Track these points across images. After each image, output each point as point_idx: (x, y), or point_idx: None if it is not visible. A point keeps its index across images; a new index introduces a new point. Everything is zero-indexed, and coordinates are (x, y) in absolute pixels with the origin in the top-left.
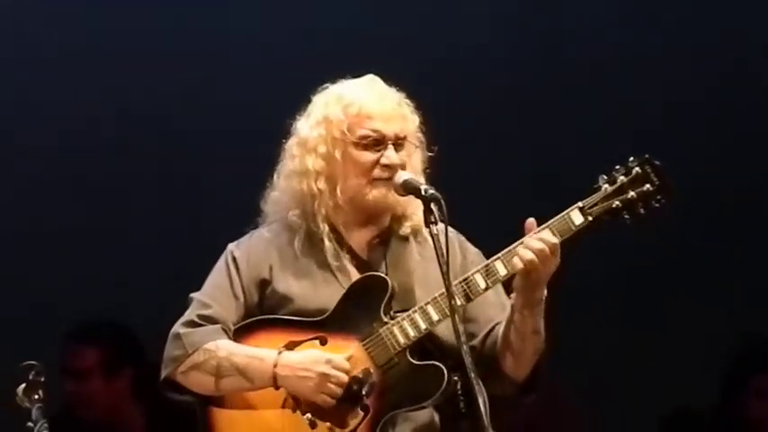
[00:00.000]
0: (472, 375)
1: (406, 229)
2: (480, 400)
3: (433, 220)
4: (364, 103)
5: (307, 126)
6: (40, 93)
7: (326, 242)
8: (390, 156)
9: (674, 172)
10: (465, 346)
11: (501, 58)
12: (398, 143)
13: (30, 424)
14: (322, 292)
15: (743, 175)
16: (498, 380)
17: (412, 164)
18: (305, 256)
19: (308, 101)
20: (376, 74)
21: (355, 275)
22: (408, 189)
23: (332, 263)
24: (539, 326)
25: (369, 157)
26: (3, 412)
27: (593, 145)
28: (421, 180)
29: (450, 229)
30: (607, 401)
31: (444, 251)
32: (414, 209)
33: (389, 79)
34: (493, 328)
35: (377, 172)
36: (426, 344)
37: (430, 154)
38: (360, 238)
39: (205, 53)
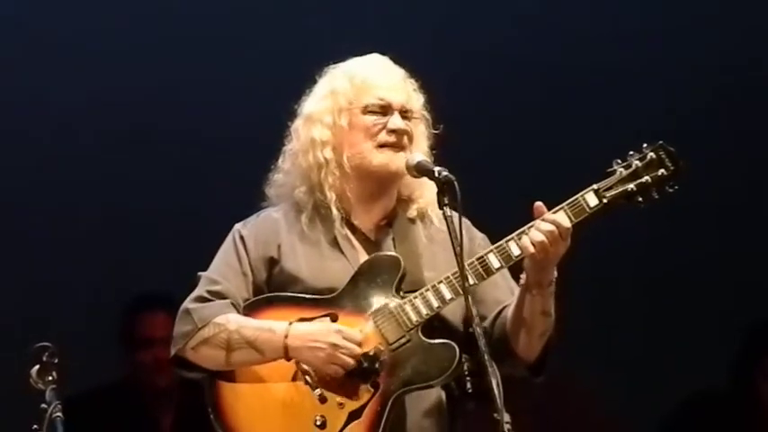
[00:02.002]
0: (486, 357)
1: (412, 211)
2: (494, 382)
3: (446, 202)
4: (370, 73)
5: (313, 101)
6: (39, 90)
7: (335, 211)
8: (396, 121)
9: (688, 151)
10: (479, 328)
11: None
12: (404, 114)
13: (43, 405)
14: (330, 270)
15: (754, 163)
16: (508, 361)
17: (418, 142)
18: (313, 233)
19: (314, 82)
20: None
21: (363, 255)
22: (422, 171)
23: (340, 240)
24: (548, 307)
25: (377, 121)
26: (17, 394)
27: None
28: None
29: (453, 212)
30: (619, 385)
31: (458, 233)
32: (421, 191)
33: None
34: (501, 310)
35: (383, 136)
36: (434, 324)
37: (435, 131)
38: (367, 219)
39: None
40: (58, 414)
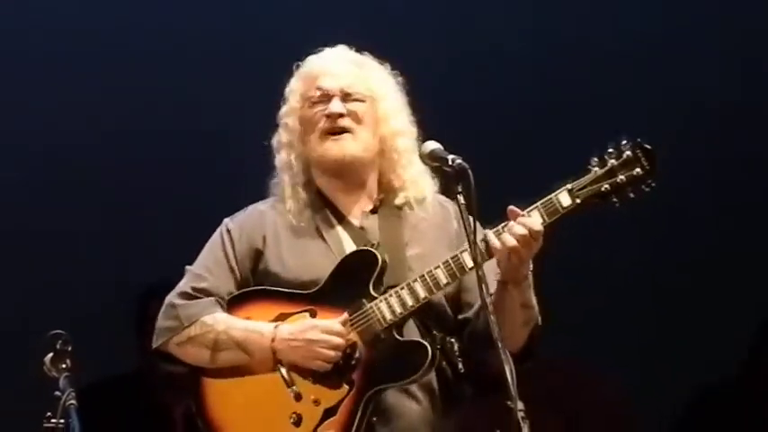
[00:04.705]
0: (500, 345)
1: (400, 199)
2: (507, 370)
3: (459, 190)
4: (314, 65)
5: (282, 103)
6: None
7: (318, 203)
8: (331, 106)
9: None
10: (492, 316)
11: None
12: (348, 98)
13: (57, 393)
14: (315, 262)
15: (747, 155)
16: (492, 350)
17: (378, 120)
18: (298, 224)
19: None
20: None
21: (349, 245)
22: (435, 159)
23: (324, 230)
24: (527, 300)
25: (316, 111)
26: (31, 381)
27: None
28: (404, 142)
29: (447, 200)
30: (632, 373)
31: (471, 222)
32: (413, 179)
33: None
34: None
35: (322, 124)
36: (424, 313)
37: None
38: (354, 207)
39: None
40: (72, 402)
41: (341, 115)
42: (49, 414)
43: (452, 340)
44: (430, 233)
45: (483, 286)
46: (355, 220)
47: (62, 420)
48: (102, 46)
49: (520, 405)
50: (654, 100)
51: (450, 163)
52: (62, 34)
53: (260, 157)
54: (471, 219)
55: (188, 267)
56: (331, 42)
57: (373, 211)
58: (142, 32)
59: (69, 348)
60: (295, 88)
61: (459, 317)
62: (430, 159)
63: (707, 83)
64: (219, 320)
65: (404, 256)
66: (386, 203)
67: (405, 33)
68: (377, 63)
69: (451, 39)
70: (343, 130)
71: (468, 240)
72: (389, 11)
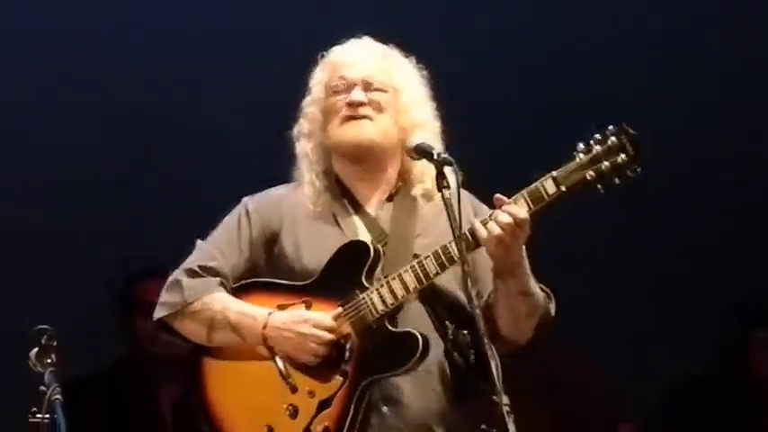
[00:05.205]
0: (486, 340)
1: (417, 189)
2: (493, 365)
3: (445, 184)
4: (338, 55)
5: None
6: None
7: (333, 198)
8: (353, 95)
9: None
10: (478, 310)
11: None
12: (370, 87)
13: (42, 388)
14: (331, 249)
15: (737, 146)
16: (497, 342)
17: (401, 111)
18: (315, 212)
19: None
20: None
21: (363, 233)
22: (420, 152)
23: (340, 217)
24: (526, 288)
25: (338, 100)
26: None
27: None
28: (424, 135)
29: (462, 191)
30: (621, 359)
31: (457, 216)
32: (431, 171)
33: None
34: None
35: (343, 111)
36: (438, 304)
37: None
38: (370, 195)
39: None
40: (57, 396)
41: (361, 103)
42: (34, 409)
43: (465, 332)
44: (442, 224)
45: (468, 280)
46: (371, 208)
47: (47, 415)
48: (101, 45)
49: (505, 399)
50: (654, 99)
51: (435, 157)
52: (60, 34)
53: (255, 157)
54: (456, 212)
55: (199, 242)
56: (331, 43)
57: (389, 200)
58: (141, 31)
59: (54, 343)
60: (318, 78)
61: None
62: (415, 153)
63: (707, 82)
64: (217, 300)
65: (411, 246)
66: (402, 193)
67: (403, 34)
68: (401, 55)
69: (452, 39)
70: (364, 118)
71: (453, 233)
72: (389, 11)
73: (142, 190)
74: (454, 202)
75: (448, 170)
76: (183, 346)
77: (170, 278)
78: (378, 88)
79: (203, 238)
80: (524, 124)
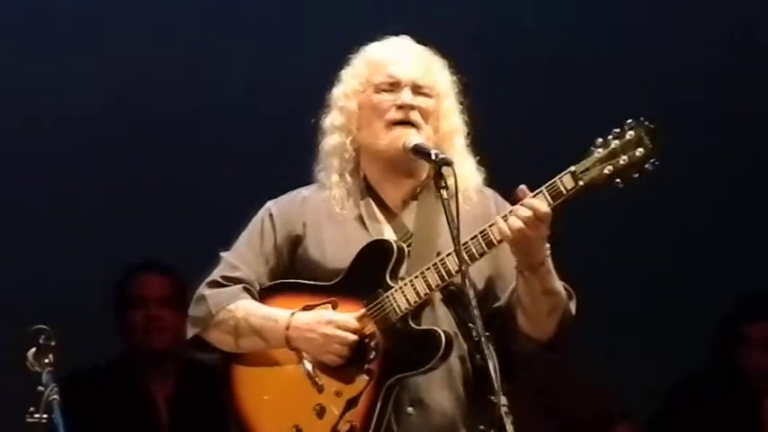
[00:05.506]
0: (483, 339)
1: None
2: (491, 365)
3: (443, 184)
4: (384, 52)
5: (335, 88)
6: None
7: (361, 189)
8: (404, 97)
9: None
10: (475, 310)
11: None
12: (418, 91)
13: (40, 388)
14: (354, 248)
15: (735, 149)
16: (520, 339)
17: (441, 117)
18: (339, 211)
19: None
20: None
21: (390, 233)
22: (418, 153)
23: (366, 217)
24: (549, 286)
25: (386, 98)
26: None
27: None
28: (460, 141)
29: (486, 188)
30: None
31: (454, 215)
32: (461, 174)
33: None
34: (514, 288)
35: (391, 113)
36: (457, 302)
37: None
38: (396, 195)
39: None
40: (55, 397)
41: (411, 107)
42: (32, 409)
43: (488, 334)
44: (467, 223)
45: (467, 280)
46: (396, 208)
47: (45, 415)
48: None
49: (503, 400)
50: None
51: (432, 158)
52: (60, 21)
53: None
54: (455, 211)
55: (222, 254)
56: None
57: (414, 198)
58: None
59: (52, 343)
60: (359, 72)
61: (494, 306)
62: (413, 154)
63: (716, 80)
64: (241, 307)
65: (435, 245)
66: (427, 192)
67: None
68: (439, 58)
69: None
70: (412, 125)
71: (452, 233)
72: (390, 11)
73: (140, 189)
74: (452, 202)
75: (447, 170)
76: (177, 340)
77: (196, 294)
78: (425, 93)
79: (226, 248)
80: (546, 123)
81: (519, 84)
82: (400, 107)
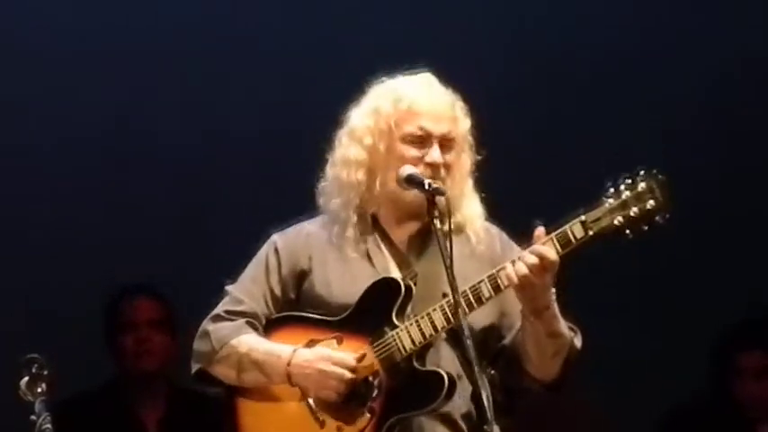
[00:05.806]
0: (476, 370)
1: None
2: (484, 395)
3: (436, 214)
4: (415, 99)
5: (357, 116)
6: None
7: (369, 225)
8: (434, 155)
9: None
10: (468, 341)
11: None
12: (445, 144)
13: (33, 417)
14: (360, 284)
15: (729, 169)
16: (525, 380)
17: (460, 166)
18: (346, 246)
19: (363, 92)
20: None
21: (395, 270)
22: (412, 183)
23: (373, 253)
24: (554, 329)
25: (413, 153)
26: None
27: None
28: (469, 182)
29: (492, 226)
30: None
31: (447, 246)
32: (466, 212)
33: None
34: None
35: (419, 169)
36: (463, 338)
37: (478, 157)
38: (401, 233)
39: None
40: (48, 426)
41: (441, 165)
42: None
43: (492, 372)
44: (472, 261)
45: (460, 310)
46: (402, 245)
47: None
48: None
49: (496, 429)
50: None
51: (426, 187)
52: (63, 33)
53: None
54: (449, 242)
55: (227, 287)
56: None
57: (421, 237)
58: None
59: (45, 372)
60: (386, 112)
61: (499, 345)
62: (407, 184)
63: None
64: (243, 342)
65: (441, 285)
66: (433, 229)
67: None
68: (457, 98)
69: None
70: (440, 180)
71: (445, 264)
72: (392, 14)
73: (134, 206)
74: (445, 230)
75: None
76: (167, 363)
77: (200, 328)
78: (452, 147)
79: (229, 271)
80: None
81: (519, 89)
82: (429, 165)
